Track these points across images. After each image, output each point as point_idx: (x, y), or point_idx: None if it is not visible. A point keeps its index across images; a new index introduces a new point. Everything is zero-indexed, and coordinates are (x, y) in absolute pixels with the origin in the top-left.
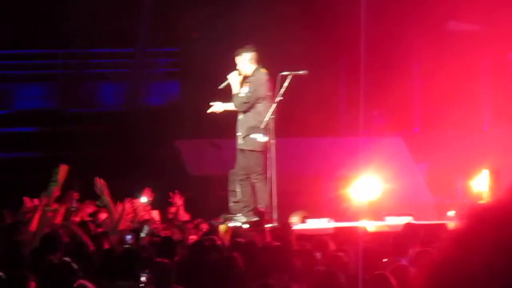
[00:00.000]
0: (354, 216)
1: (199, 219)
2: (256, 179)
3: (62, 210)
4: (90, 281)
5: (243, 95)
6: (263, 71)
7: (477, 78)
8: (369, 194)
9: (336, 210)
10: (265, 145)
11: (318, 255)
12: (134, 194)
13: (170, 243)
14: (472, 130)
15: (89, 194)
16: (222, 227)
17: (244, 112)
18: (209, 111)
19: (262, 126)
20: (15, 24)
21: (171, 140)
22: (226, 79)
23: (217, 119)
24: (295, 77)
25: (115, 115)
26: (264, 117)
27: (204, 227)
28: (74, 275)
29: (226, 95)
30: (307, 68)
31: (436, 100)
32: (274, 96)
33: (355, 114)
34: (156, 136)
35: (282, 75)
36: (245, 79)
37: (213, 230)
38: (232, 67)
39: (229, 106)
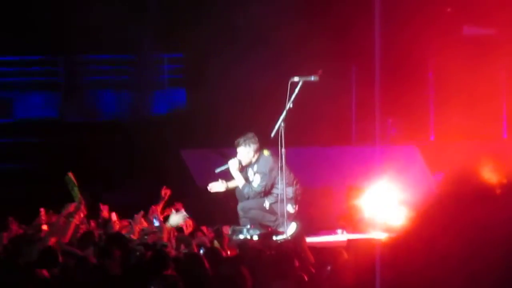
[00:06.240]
0: (367, 227)
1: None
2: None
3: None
4: None
5: (257, 186)
6: (267, 154)
7: (495, 84)
8: (383, 205)
9: (349, 222)
10: None
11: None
12: (138, 205)
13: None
14: (491, 139)
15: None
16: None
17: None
18: (211, 189)
19: (273, 134)
20: (15, 31)
21: (176, 149)
22: (226, 163)
23: (224, 128)
24: (305, 84)
25: (119, 124)
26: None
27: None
28: None
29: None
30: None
31: (452, 107)
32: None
33: (368, 122)
34: (161, 146)
35: (293, 82)
36: (246, 166)
37: (219, 236)
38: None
39: (232, 184)
